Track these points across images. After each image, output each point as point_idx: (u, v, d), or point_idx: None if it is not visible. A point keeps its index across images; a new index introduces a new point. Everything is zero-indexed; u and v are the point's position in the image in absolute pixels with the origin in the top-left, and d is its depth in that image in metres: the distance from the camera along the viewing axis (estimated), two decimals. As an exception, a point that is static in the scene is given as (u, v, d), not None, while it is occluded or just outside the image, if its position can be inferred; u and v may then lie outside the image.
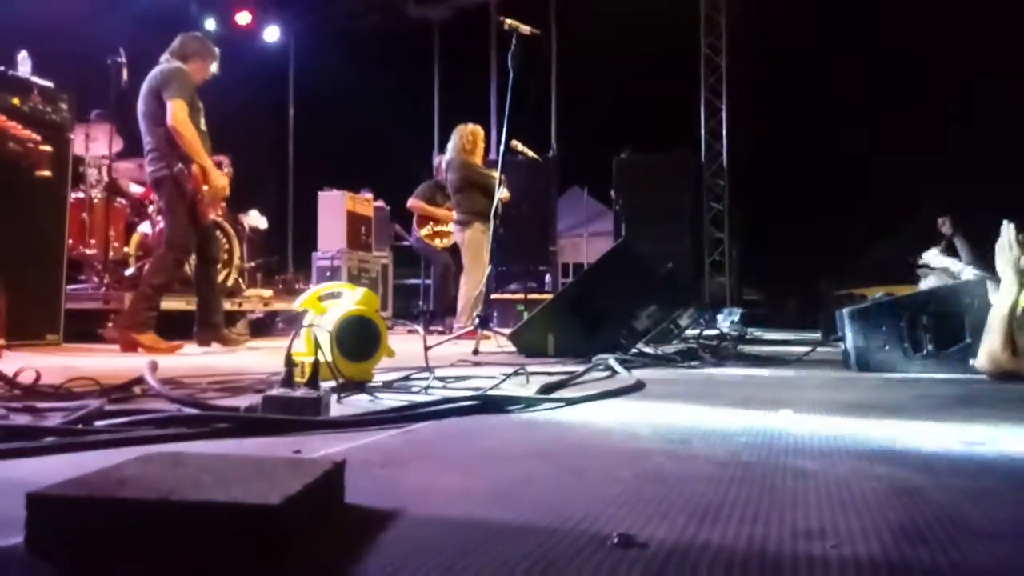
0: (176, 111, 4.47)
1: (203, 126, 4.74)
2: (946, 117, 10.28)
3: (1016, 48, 9.07)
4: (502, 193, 5.71)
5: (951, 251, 5.44)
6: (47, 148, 4.01)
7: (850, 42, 10.93)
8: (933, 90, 10.32)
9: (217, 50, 4.93)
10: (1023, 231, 3.02)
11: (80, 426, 1.60)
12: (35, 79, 4.69)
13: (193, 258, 5.07)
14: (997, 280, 3.08)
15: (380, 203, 9.59)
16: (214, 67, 4.90)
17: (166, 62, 4.69)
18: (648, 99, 11.12)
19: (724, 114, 10.58)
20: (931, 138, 10.50)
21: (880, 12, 10.59)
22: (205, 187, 4.54)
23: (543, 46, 5.00)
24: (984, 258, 4.98)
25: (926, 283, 5.47)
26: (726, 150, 10.58)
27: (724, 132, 10.59)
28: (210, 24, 10.97)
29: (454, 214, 6.93)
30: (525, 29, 5.02)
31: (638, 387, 2.62)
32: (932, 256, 5.29)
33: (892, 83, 10.88)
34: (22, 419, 1.73)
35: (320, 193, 8.95)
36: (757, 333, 7.51)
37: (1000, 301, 3.01)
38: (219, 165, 4.92)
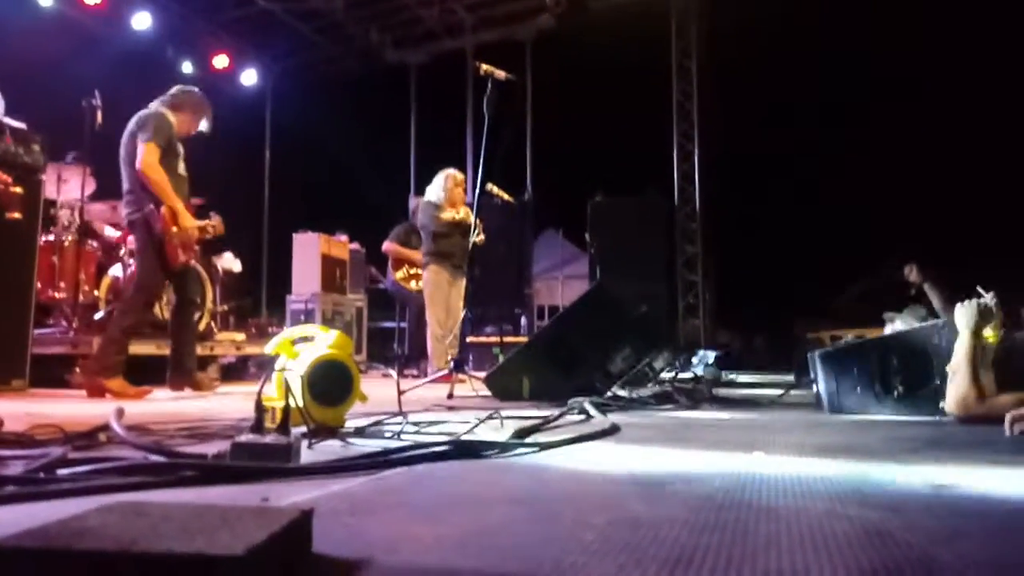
0: (145, 155, 4.45)
1: (181, 171, 4.73)
2: (920, 161, 10.53)
3: (986, 97, 9.35)
4: (477, 236, 5.75)
5: (921, 299, 5.50)
6: (18, 190, 3.97)
7: (821, 88, 11.22)
8: (904, 135, 10.58)
9: (209, 109, 4.93)
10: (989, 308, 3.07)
11: (42, 475, 1.56)
12: (7, 120, 4.66)
13: (167, 301, 5.00)
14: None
15: (355, 245, 9.58)
16: (204, 125, 4.90)
17: (153, 108, 4.70)
18: (622, 143, 11.30)
19: (696, 158, 10.76)
20: (904, 182, 10.75)
21: (854, 57, 10.90)
22: (174, 228, 4.51)
23: (518, 91, 5.07)
24: (954, 303, 5.06)
25: (893, 326, 5.53)
26: (698, 194, 10.73)
27: (696, 176, 10.76)
28: (187, 67, 11.02)
29: None
30: (500, 74, 5.10)
31: (613, 431, 2.61)
32: (903, 317, 5.36)
33: (864, 128, 11.15)
34: (-18, 467, 1.69)
35: (295, 235, 8.92)
36: (731, 376, 7.54)
37: (961, 344, 3.06)
38: (206, 216, 4.89)
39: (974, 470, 1.89)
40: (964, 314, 3.08)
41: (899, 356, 3.38)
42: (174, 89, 4.87)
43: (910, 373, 3.34)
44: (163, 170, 4.49)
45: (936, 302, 5.16)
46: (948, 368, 3.07)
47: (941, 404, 3.14)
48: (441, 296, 6.47)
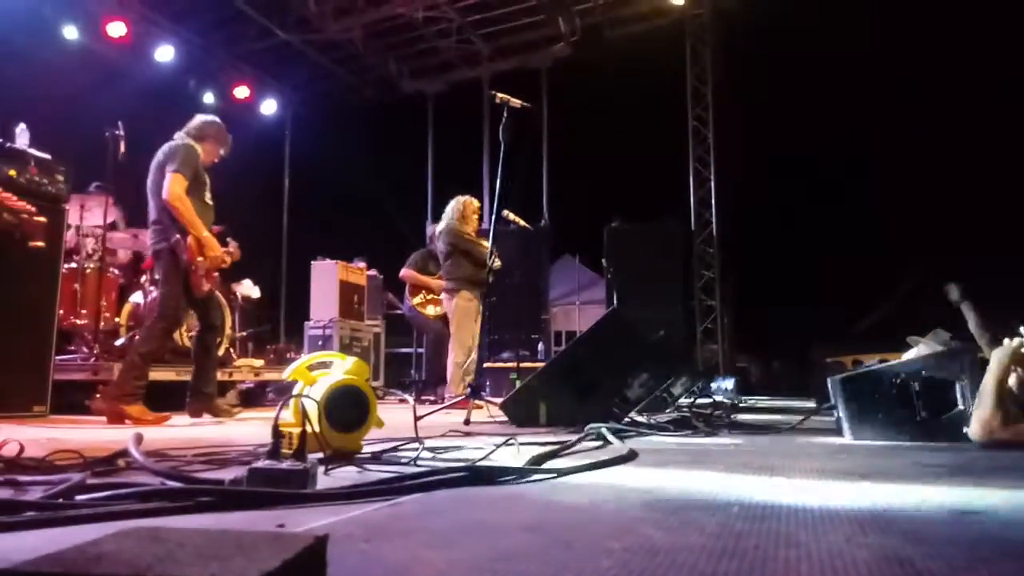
0: (172, 185, 4.54)
1: (208, 199, 4.82)
2: (942, 187, 10.48)
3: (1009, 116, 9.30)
4: (493, 262, 5.76)
5: (957, 318, 5.46)
6: (42, 219, 4.02)
7: (838, 111, 11.22)
8: (927, 159, 10.54)
9: (229, 137, 5.04)
10: None
11: (61, 500, 1.57)
12: (32, 151, 4.75)
13: (187, 328, 5.06)
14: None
15: (373, 272, 9.63)
16: (223, 151, 5.01)
17: (179, 139, 4.80)
18: (638, 169, 11.34)
19: (712, 183, 10.76)
20: (927, 207, 10.70)
21: (872, 81, 10.91)
22: (200, 259, 4.58)
23: (534, 118, 5.12)
24: (990, 329, 5.01)
25: (916, 350, 5.47)
26: (715, 218, 10.72)
27: (713, 201, 10.75)
28: (209, 98, 11.21)
29: (443, 282, 6.97)
30: (516, 102, 5.15)
31: (630, 457, 2.59)
32: (927, 341, 5.31)
33: (884, 153, 11.13)
34: (2, 493, 1.70)
35: (313, 262, 8.99)
36: (750, 401, 7.48)
37: (992, 370, 3.02)
38: (223, 242, 4.97)
39: (998, 497, 1.86)
40: (1001, 351, 3.06)
41: (921, 381, 3.34)
42: (196, 120, 4.97)
43: (933, 398, 3.30)
44: (189, 200, 4.57)
45: (971, 323, 5.12)
46: (981, 386, 3.03)
47: (965, 429, 3.10)
48: (469, 323, 6.43)
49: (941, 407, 3.26)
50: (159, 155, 4.74)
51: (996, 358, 3.04)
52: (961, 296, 5.36)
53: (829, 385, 3.70)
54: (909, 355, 4.27)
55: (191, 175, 4.65)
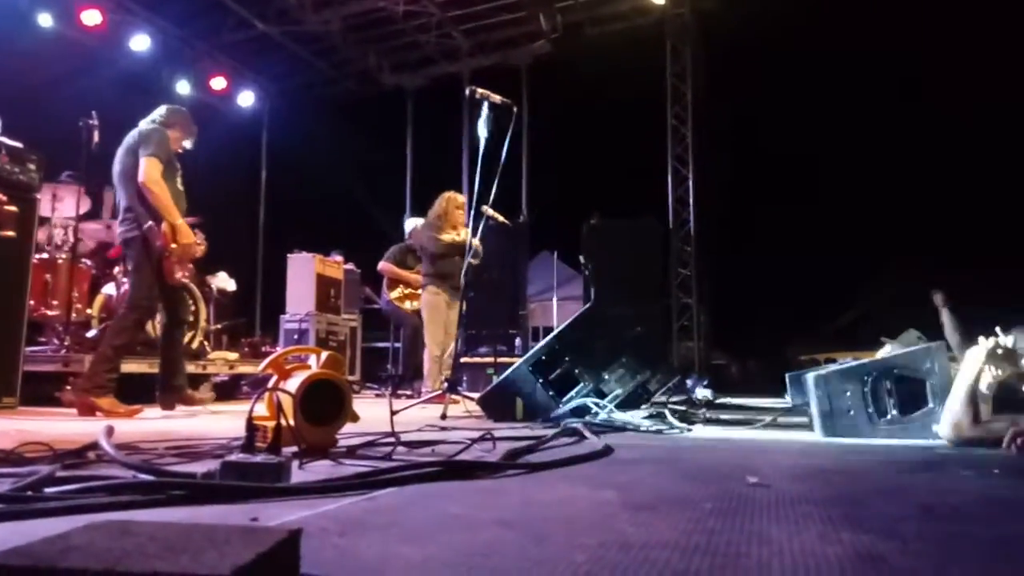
0: (149, 168, 4.47)
1: (179, 186, 4.76)
2: (917, 185, 10.62)
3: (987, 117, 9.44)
4: (473, 257, 5.75)
5: (937, 321, 5.61)
6: (13, 208, 3.97)
7: (816, 112, 11.33)
8: (901, 158, 10.67)
9: (195, 128, 4.98)
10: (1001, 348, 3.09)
11: (30, 493, 1.54)
12: (4, 140, 4.67)
13: (159, 319, 5.00)
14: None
15: (350, 266, 9.58)
16: (188, 143, 4.94)
17: (147, 125, 4.72)
18: (617, 167, 11.38)
19: (691, 182, 10.82)
20: (902, 206, 10.84)
21: (849, 81, 11.02)
22: (174, 245, 4.51)
23: (513, 115, 5.11)
24: (965, 335, 5.11)
25: (887, 350, 5.55)
26: (693, 217, 10.78)
27: (691, 199, 10.81)
28: (185, 88, 11.07)
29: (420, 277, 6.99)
30: (496, 98, 5.14)
31: (606, 452, 2.60)
32: (898, 341, 5.41)
33: (859, 152, 11.25)
34: (-31, 486, 1.67)
35: (289, 255, 8.93)
36: (725, 398, 7.53)
37: (965, 370, 3.06)
38: (192, 230, 4.91)
39: (967, 493, 1.89)
40: (976, 351, 3.10)
41: (892, 379, 3.38)
42: (162, 108, 4.91)
43: (904, 396, 3.34)
44: (164, 185, 4.51)
45: (947, 327, 5.23)
46: (954, 386, 3.08)
47: (934, 427, 3.15)
48: (439, 317, 6.47)
49: (912, 405, 3.30)
50: (127, 140, 4.67)
51: (970, 357, 3.09)
52: (943, 303, 5.50)
53: (803, 382, 3.74)
54: (881, 354, 4.33)
55: (165, 159, 4.58)
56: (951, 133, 10.10)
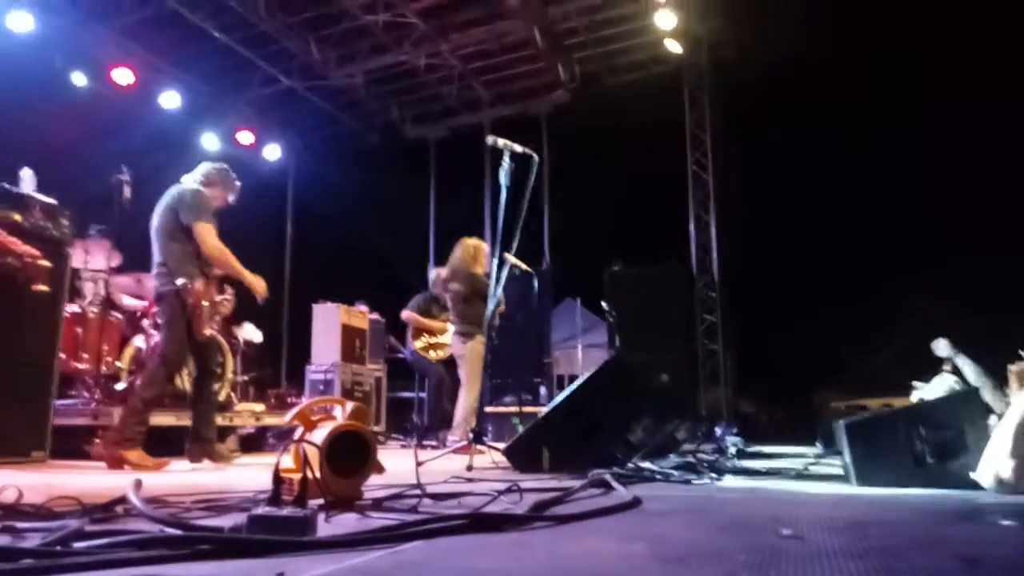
0: (205, 236, 4.60)
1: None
2: (941, 225, 10.53)
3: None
4: (500, 306, 5.75)
5: (955, 373, 5.43)
6: (45, 263, 4.05)
7: (838, 154, 11.32)
8: (927, 201, 10.60)
9: (238, 183, 5.10)
10: None
11: (59, 548, 1.55)
12: (37, 196, 4.79)
13: (187, 372, 5.05)
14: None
15: (375, 316, 9.63)
16: (231, 198, 5.07)
17: (188, 184, 4.84)
18: (638, 214, 11.40)
19: (713, 228, 10.81)
20: (924, 248, 10.73)
21: (870, 124, 11.02)
22: (205, 303, 4.59)
23: (535, 163, 5.16)
24: (992, 374, 4.99)
25: (919, 394, 5.45)
26: (716, 263, 10.74)
27: (714, 245, 10.79)
28: (213, 143, 11.36)
29: (453, 325, 6.91)
30: (516, 147, 5.19)
31: (634, 504, 2.56)
32: (931, 387, 5.30)
33: (884, 197, 11.20)
34: (0, 540, 1.68)
35: (315, 306, 9.00)
36: (755, 446, 7.41)
37: (1010, 414, 2.99)
38: (221, 289, 5.01)
39: (1009, 544, 1.83)
40: (1015, 379, 3.04)
41: (928, 426, 3.31)
42: (203, 166, 5.01)
43: (940, 443, 3.27)
44: (224, 245, 4.63)
45: (970, 374, 5.09)
46: (996, 430, 3.00)
47: (971, 474, 3.06)
48: (480, 367, 6.35)
49: (950, 453, 3.23)
50: (166, 198, 4.76)
51: (1020, 404, 3.00)
52: (953, 350, 5.36)
53: (835, 430, 3.68)
54: (913, 399, 4.25)
55: (213, 220, 4.71)
56: (976, 174, 10.05)
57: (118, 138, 8.61)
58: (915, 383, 5.59)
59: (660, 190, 11.35)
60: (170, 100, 10.52)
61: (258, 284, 4.72)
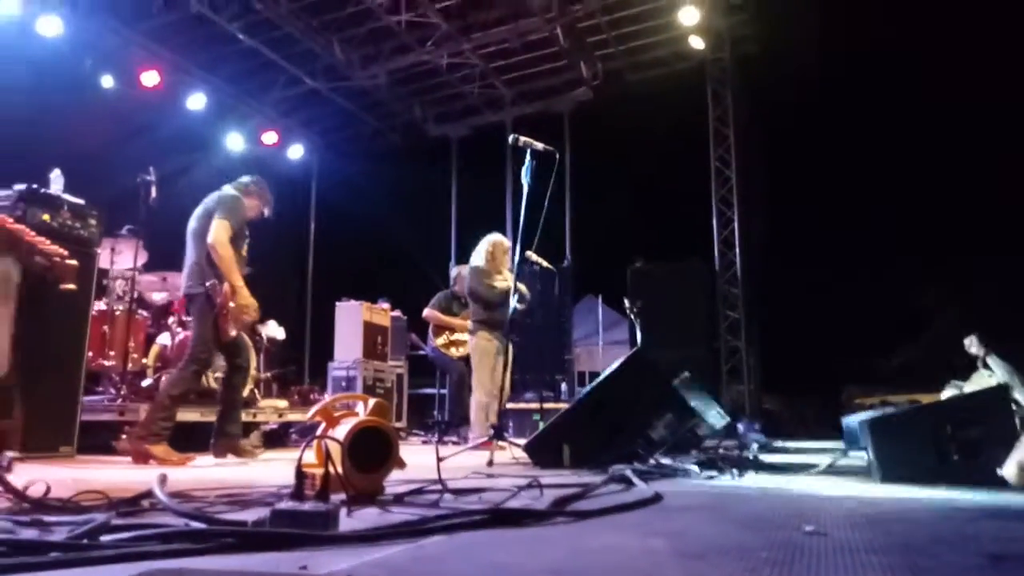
0: (219, 231, 4.68)
1: (244, 252, 4.96)
2: (965, 219, 10.38)
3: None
4: (519, 302, 5.76)
5: (988, 369, 5.34)
6: (73, 262, 4.10)
7: (862, 148, 11.20)
8: (947, 191, 10.46)
9: (272, 198, 5.20)
10: None
11: (85, 541, 1.58)
12: (66, 196, 4.87)
13: (214, 369, 5.10)
14: None
15: (397, 313, 9.67)
16: (267, 211, 5.18)
17: (228, 191, 4.96)
18: (661, 210, 11.35)
19: (736, 224, 10.73)
20: (953, 243, 10.58)
21: (894, 118, 10.88)
22: (232, 304, 4.66)
23: (556, 161, 5.15)
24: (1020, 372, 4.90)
25: (950, 390, 5.37)
26: (739, 259, 10.67)
27: (736, 241, 10.71)
28: (238, 144, 11.47)
29: (468, 322, 6.97)
30: (538, 146, 5.19)
31: (655, 500, 2.56)
32: (970, 385, 5.21)
33: (908, 191, 11.06)
34: (28, 533, 1.72)
35: (338, 303, 9.06)
36: (778, 442, 7.35)
37: None
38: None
39: (1037, 543, 1.80)
40: None
41: (954, 423, 3.27)
42: (245, 177, 5.15)
43: (966, 440, 3.22)
44: (231, 248, 4.68)
45: (1000, 372, 5.00)
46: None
47: (999, 470, 3.02)
48: (488, 363, 6.44)
49: (976, 450, 3.18)
50: (207, 202, 4.89)
51: None
52: (983, 348, 5.27)
53: (858, 427, 3.64)
54: (944, 396, 4.19)
55: (237, 226, 4.79)
56: (1006, 161, 9.89)
57: (145, 139, 8.71)
58: (954, 381, 5.50)
59: (683, 187, 11.29)
60: (196, 102, 10.63)
61: (245, 299, 4.74)
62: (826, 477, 3.76)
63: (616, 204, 11.67)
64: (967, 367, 5.55)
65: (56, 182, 4.98)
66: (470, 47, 10.77)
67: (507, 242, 6.91)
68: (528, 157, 5.16)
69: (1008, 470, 2.96)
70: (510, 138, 5.25)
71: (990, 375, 5.14)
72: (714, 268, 10.69)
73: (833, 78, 10.07)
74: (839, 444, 6.48)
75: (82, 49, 9.19)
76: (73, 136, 7.57)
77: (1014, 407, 3.20)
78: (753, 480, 3.57)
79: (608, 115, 11.27)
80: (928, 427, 3.28)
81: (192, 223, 4.88)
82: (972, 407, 3.30)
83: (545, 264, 6.48)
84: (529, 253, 5.96)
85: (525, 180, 5.14)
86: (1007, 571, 1.47)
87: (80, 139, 7.63)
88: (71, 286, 4.21)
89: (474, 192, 12.82)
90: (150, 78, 9.83)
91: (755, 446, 5.64)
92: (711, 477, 3.59)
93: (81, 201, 4.94)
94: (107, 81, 9.54)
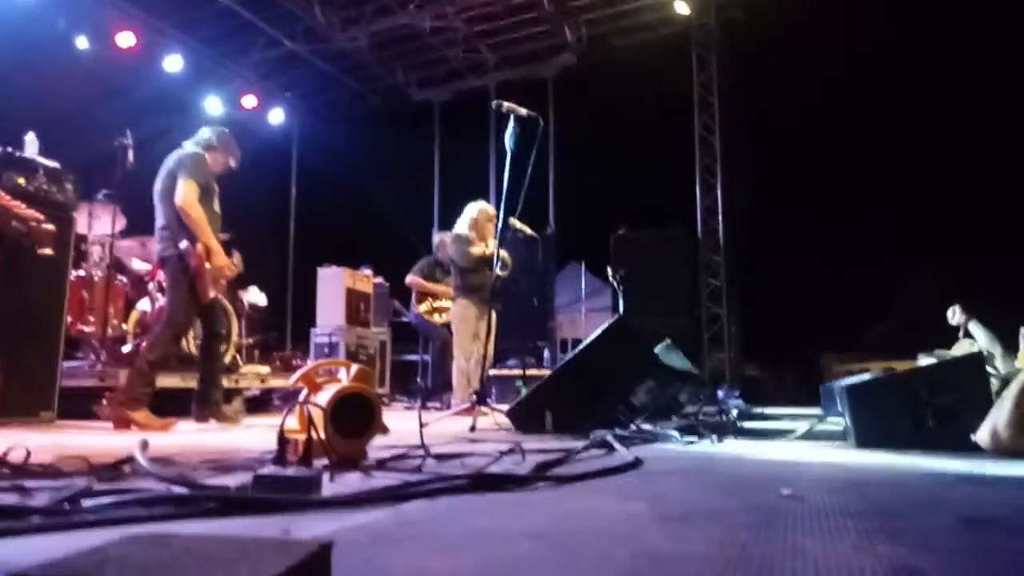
0: (186, 191, 4.60)
1: (216, 208, 4.88)
2: (954, 192, 10.44)
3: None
4: (501, 270, 5.76)
5: (969, 338, 5.40)
6: (50, 227, 4.05)
7: (846, 119, 11.20)
8: (935, 165, 10.50)
9: (238, 150, 5.09)
10: None
11: (67, 506, 1.57)
12: (41, 159, 4.78)
13: (193, 335, 5.07)
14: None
15: (379, 280, 9.64)
16: (233, 163, 5.06)
17: (188, 148, 4.84)
18: (644, 178, 11.32)
19: (719, 192, 10.74)
20: (937, 213, 10.65)
21: (879, 88, 10.88)
22: (207, 265, 4.60)
23: (540, 127, 5.11)
24: (1005, 339, 4.97)
25: (931, 360, 5.44)
26: (722, 227, 10.70)
27: (720, 209, 10.73)
28: (216, 107, 11.27)
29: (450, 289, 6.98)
30: (522, 111, 5.15)
31: (636, 464, 2.58)
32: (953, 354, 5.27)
33: (891, 160, 11.09)
34: (9, 498, 1.71)
35: (320, 270, 9.01)
36: (757, 409, 7.45)
37: (1020, 381, 2.99)
38: (228, 253, 5.01)
39: (1007, 505, 1.84)
40: None
41: (930, 389, 3.32)
42: (204, 131, 5.02)
43: (942, 407, 3.28)
44: (201, 207, 4.61)
45: (983, 340, 5.07)
46: (1005, 393, 3.01)
47: (972, 437, 3.07)
48: (468, 330, 6.47)
49: (950, 415, 3.24)
50: (168, 162, 4.79)
51: None
52: (964, 316, 5.33)
53: (836, 393, 3.69)
54: (920, 362, 4.25)
55: (203, 182, 4.70)
56: (987, 133, 9.94)
57: (121, 102, 8.54)
58: (937, 351, 5.57)
59: (667, 154, 11.26)
60: (173, 64, 10.42)
61: (219, 259, 4.69)
62: (804, 443, 3.81)
63: (600, 171, 11.62)
64: (941, 337, 5.61)
65: (31, 145, 4.89)
66: (453, 10, 10.61)
67: (491, 210, 6.88)
68: (512, 123, 5.12)
69: (982, 436, 3.02)
70: (493, 104, 5.21)
71: (972, 343, 5.20)
72: (697, 236, 10.72)
73: (818, 45, 10.01)
74: (817, 410, 6.58)
75: (55, 9, 8.97)
76: (47, 98, 7.41)
77: (991, 372, 3.25)
78: (732, 445, 3.61)
79: (592, 81, 11.19)
80: (904, 393, 3.33)
81: (157, 185, 4.79)
82: (948, 374, 3.35)
83: (529, 231, 6.47)
84: (513, 220, 5.94)
85: (509, 146, 5.10)
86: (980, 534, 1.50)
87: (54, 101, 7.47)
88: (48, 251, 4.16)
89: (457, 158, 12.73)
90: (126, 39, 9.62)
91: (735, 412, 5.70)
92: (691, 443, 3.64)
93: (57, 165, 4.86)
94: (82, 42, 9.33)
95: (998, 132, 9.79)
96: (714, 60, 10.89)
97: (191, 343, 6.07)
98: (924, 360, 5.50)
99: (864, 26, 10.27)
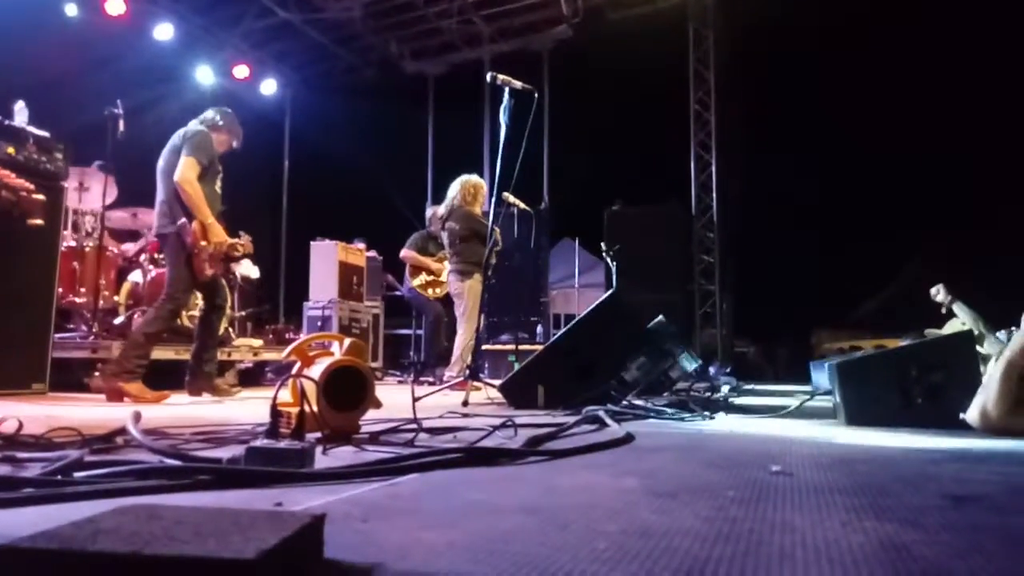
0: (186, 168, 4.60)
1: (218, 188, 4.87)
2: (946, 168, 10.45)
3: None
4: (497, 244, 5.74)
5: (952, 316, 5.42)
6: (40, 197, 4.01)
7: (842, 95, 11.17)
8: (925, 139, 10.50)
9: (241, 130, 5.10)
10: None
11: (59, 477, 1.57)
12: (31, 129, 4.73)
13: (192, 307, 5.05)
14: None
15: (373, 253, 9.62)
16: (236, 142, 5.07)
17: (194, 126, 4.85)
18: (639, 153, 11.29)
19: (714, 168, 10.72)
20: (924, 189, 10.67)
21: (875, 64, 10.84)
22: (204, 243, 4.59)
23: (535, 100, 5.07)
24: (986, 318, 4.99)
25: (909, 340, 5.46)
26: (716, 203, 10.69)
27: (714, 185, 10.72)
28: (208, 77, 11.14)
29: (451, 264, 6.91)
30: (516, 84, 5.11)
31: (627, 440, 2.60)
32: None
33: (886, 136, 11.07)
34: (1, 469, 1.71)
35: (313, 243, 8.98)
36: (748, 385, 7.50)
37: (1006, 356, 3.01)
38: (235, 234, 5.00)
39: (994, 483, 1.86)
40: (1018, 338, 3.04)
41: (919, 367, 3.34)
42: (209, 111, 5.03)
43: (931, 384, 3.30)
44: (199, 185, 4.60)
45: (968, 320, 5.09)
46: (991, 371, 3.03)
47: (961, 415, 3.10)
48: (479, 305, 6.40)
49: (940, 393, 3.26)
50: (174, 139, 4.80)
51: (1018, 344, 3.01)
52: (948, 296, 5.34)
53: (827, 370, 3.71)
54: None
55: (206, 161, 4.69)
56: (981, 112, 9.93)
57: (111, 70, 8.42)
58: (928, 331, 5.59)
59: (662, 129, 11.22)
60: (163, 32, 10.28)
61: (217, 236, 4.66)
62: (794, 419, 3.84)
63: (595, 146, 11.58)
64: (934, 316, 5.64)
65: (20, 114, 4.84)
66: (448, -20, 10.49)
67: (484, 184, 6.85)
68: (506, 96, 5.08)
69: (971, 414, 3.04)
70: (488, 76, 5.16)
71: (962, 324, 5.23)
72: (691, 212, 10.71)
73: (816, 19, 9.95)
74: (808, 387, 6.62)
75: (44, -25, 8.81)
76: (36, 67, 7.31)
77: (979, 350, 3.27)
78: (723, 422, 3.64)
79: (588, 54, 11.09)
80: (894, 371, 3.35)
81: (160, 161, 4.80)
82: (937, 352, 3.37)
83: (523, 205, 6.45)
84: (506, 195, 5.92)
85: (503, 119, 5.07)
86: (966, 511, 1.52)
87: (44, 70, 7.37)
88: (38, 221, 4.12)
89: (451, 131, 12.65)
90: (115, 6, 9.46)
91: (726, 389, 5.74)
92: (682, 419, 3.66)
93: (46, 134, 4.81)
94: (71, 9, 9.18)
95: (999, 110, 9.78)
96: (711, 35, 10.82)
97: (185, 317, 6.05)
98: (907, 341, 5.52)
99: (862, 3, 10.21)
